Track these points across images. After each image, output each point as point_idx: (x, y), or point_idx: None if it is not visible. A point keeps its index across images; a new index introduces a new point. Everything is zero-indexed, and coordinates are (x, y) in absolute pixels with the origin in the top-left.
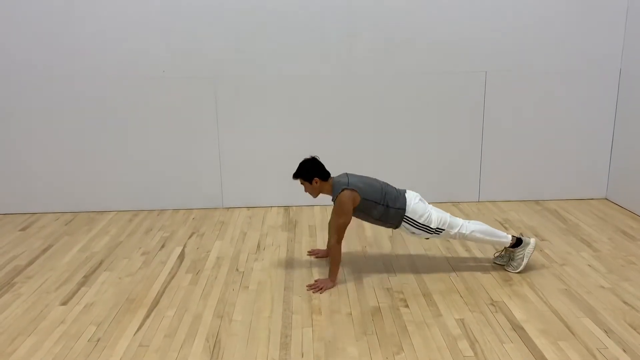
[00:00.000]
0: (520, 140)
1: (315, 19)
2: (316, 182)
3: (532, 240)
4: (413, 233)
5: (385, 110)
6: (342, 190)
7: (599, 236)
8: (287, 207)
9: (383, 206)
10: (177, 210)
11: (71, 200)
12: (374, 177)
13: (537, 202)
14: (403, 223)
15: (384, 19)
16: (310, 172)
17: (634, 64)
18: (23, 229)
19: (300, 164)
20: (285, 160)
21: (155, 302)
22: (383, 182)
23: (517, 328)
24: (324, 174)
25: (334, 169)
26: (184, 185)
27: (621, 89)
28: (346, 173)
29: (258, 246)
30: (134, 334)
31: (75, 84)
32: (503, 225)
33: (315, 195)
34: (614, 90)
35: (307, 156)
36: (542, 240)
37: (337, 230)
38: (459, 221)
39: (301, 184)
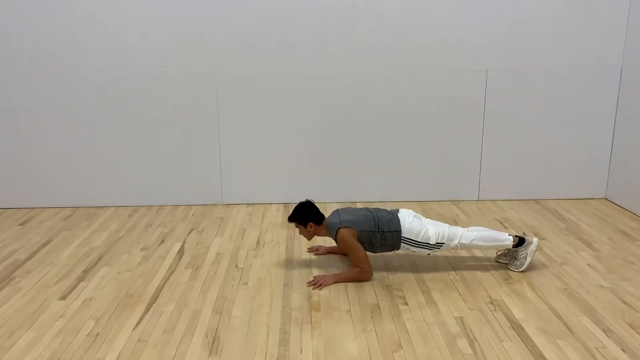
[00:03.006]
0: (521, 139)
1: (318, 16)
2: (310, 227)
3: (535, 240)
4: (414, 252)
5: (386, 109)
6: (338, 230)
7: (598, 236)
8: (286, 204)
9: (379, 233)
10: (176, 206)
11: (71, 196)
12: (364, 207)
13: (537, 201)
14: (402, 244)
15: (385, 18)
16: (305, 216)
17: (635, 64)
18: (22, 224)
19: (296, 208)
20: (285, 157)
21: (155, 298)
22: (373, 208)
23: (516, 327)
24: (318, 218)
25: (334, 168)
26: (183, 181)
27: (622, 88)
28: (337, 210)
29: (257, 243)
30: (133, 329)
31: (75, 80)
32: (502, 224)
33: (309, 238)
34: (615, 90)
35: (303, 200)
36: (542, 239)
37: (361, 262)
38: (458, 231)
39: (296, 227)
